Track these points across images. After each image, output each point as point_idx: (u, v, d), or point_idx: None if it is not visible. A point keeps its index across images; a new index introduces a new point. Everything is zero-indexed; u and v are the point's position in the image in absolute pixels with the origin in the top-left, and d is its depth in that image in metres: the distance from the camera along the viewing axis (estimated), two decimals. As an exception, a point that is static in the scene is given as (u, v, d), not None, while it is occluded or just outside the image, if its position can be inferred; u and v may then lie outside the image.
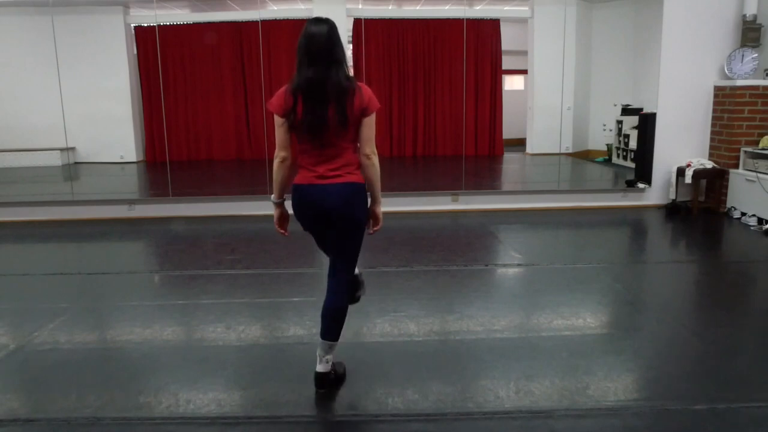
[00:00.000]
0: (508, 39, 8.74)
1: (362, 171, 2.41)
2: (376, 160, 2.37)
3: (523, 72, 9.12)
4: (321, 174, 2.36)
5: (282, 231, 2.54)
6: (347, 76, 2.34)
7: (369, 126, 2.35)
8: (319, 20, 2.35)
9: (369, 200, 2.49)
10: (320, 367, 2.51)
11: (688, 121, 6.10)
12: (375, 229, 2.53)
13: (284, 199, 2.50)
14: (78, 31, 7.37)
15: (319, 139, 2.32)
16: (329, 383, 2.54)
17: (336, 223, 2.41)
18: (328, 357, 2.51)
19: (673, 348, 2.98)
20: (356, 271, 2.64)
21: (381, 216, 2.50)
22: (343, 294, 2.52)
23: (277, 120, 2.34)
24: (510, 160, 9.10)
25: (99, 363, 2.87)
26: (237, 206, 6.03)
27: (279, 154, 2.37)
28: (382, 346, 2.98)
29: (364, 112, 2.32)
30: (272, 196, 2.49)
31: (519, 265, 4.31)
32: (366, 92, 2.34)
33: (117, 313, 3.51)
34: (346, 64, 2.37)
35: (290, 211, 2.51)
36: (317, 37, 2.30)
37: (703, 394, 2.47)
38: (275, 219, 2.54)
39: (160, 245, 5.29)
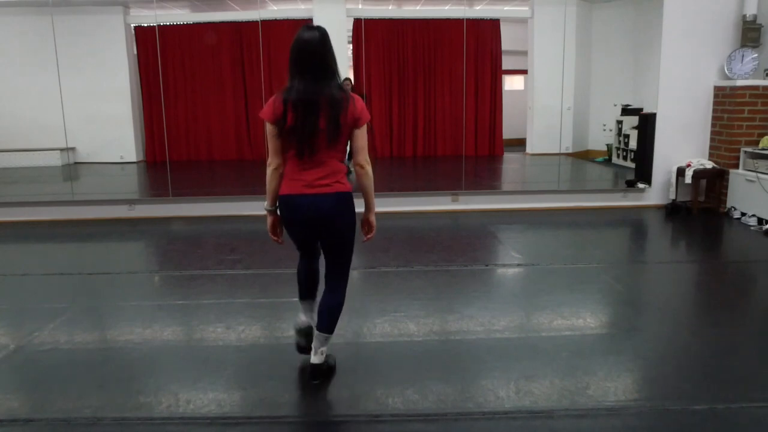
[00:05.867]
0: (508, 39, 8.74)
1: (357, 180, 2.45)
2: (369, 169, 2.42)
3: (523, 72, 9.12)
4: (309, 182, 2.38)
5: (276, 239, 2.60)
6: (340, 87, 2.36)
7: (361, 136, 2.39)
8: (311, 27, 2.36)
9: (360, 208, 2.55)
10: (315, 359, 2.59)
11: (688, 121, 6.10)
12: (369, 237, 2.59)
13: (277, 207, 2.53)
14: (78, 31, 7.38)
15: (308, 148, 2.34)
16: (322, 375, 2.62)
17: (327, 231, 2.47)
18: (323, 349, 2.60)
19: (673, 348, 2.98)
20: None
21: (374, 223, 2.57)
22: (341, 291, 2.59)
23: (269, 128, 2.36)
24: (510, 160, 9.10)
25: (99, 363, 2.87)
26: (237, 206, 6.03)
27: (272, 163, 2.40)
28: (382, 346, 2.98)
29: (356, 123, 2.37)
30: (265, 204, 2.51)
31: (519, 265, 4.31)
32: (359, 103, 2.38)
33: (117, 313, 3.51)
34: (339, 73, 2.39)
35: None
36: (309, 44, 2.32)
37: (703, 394, 2.47)
38: (269, 227, 2.57)
39: (160, 245, 5.29)
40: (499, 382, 2.57)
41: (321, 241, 2.55)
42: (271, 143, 2.38)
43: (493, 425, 2.27)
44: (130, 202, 6.10)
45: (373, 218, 2.55)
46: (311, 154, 2.35)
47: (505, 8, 8.62)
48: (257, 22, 6.47)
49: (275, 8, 7.45)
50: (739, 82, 5.73)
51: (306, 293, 2.74)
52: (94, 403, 2.44)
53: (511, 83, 10.33)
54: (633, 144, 7.04)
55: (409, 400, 2.43)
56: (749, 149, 5.67)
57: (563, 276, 4.04)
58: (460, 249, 4.84)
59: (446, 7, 7.93)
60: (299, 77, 2.32)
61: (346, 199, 2.44)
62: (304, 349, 2.71)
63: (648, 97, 6.50)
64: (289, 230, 2.53)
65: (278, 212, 2.53)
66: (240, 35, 8.21)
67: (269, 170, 2.41)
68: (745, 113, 5.74)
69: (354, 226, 2.52)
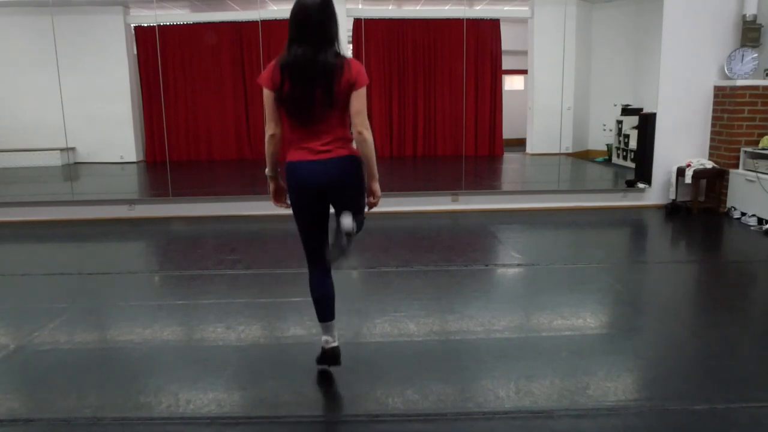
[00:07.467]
0: (508, 39, 8.74)
1: (357, 148, 2.38)
2: (368, 135, 2.31)
3: (523, 72, 9.12)
4: (313, 149, 2.33)
5: (280, 204, 2.54)
6: (336, 53, 2.29)
7: (358, 99, 2.29)
8: None
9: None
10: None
11: (688, 121, 6.09)
12: (373, 202, 2.49)
13: (278, 172, 2.49)
14: (78, 31, 7.37)
15: (307, 116, 2.30)
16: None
17: (334, 192, 2.39)
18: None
19: (673, 348, 2.98)
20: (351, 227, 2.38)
21: (378, 191, 2.47)
22: (359, 217, 2.45)
23: (267, 94, 2.31)
24: (510, 160, 9.10)
25: (99, 363, 2.87)
26: (237, 206, 6.03)
27: (269, 129, 2.35)
28: (382, 346, 2.97)
29: (353, 87, 2.28)
30: (266, 169, 2.48)
31: (519, 265, 4.31)
32: (354, 66, 2.30)
33: (117, 313, 3.51)
34: (339, 41, 2.32)
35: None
36: (309, 9, 2.26)
37: (703, 394, 2.47)
38: (271, 193, 2.53)
39: (160, 245, 5.29)
40: (499, 382, 2.57)
41: (331, 202, 2.43)
42: (268, 110, 2.32)
43: (493, 425, 2.27)
44: (130, 202, 6.09)
45: (376, 186, 2.46)
46: (312, 121, 2.30)
47: (505, 8, 8.62)
48: (257, 22, 6.46)
49: (275, 8, 7.43)
50: (739, 82, 5.73)
51: (327, 314, 2.58)
52: (94, 403, 2.44)
53: (511, 83, 10.33)
54: (633, 144, 7.04)
55: (409, 400, 2.43)
56: (749, 149, 5.67)
57: (563, 276, 4.04)
58: (460, 249, 4.84)
59: (446, 7, 7.93)
60: (297, 43, 2.27)
61: (352, 161, 2.37)
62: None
63: (648, 97, 6.50)
64: (296, 202, 2.42)
65: (279, 180, 2.50)
66: (240, 35, 8.20)
67: (266, 137, 2.36)
68: (745, 113, 5.74)
69: (363, 182, 2.43)
